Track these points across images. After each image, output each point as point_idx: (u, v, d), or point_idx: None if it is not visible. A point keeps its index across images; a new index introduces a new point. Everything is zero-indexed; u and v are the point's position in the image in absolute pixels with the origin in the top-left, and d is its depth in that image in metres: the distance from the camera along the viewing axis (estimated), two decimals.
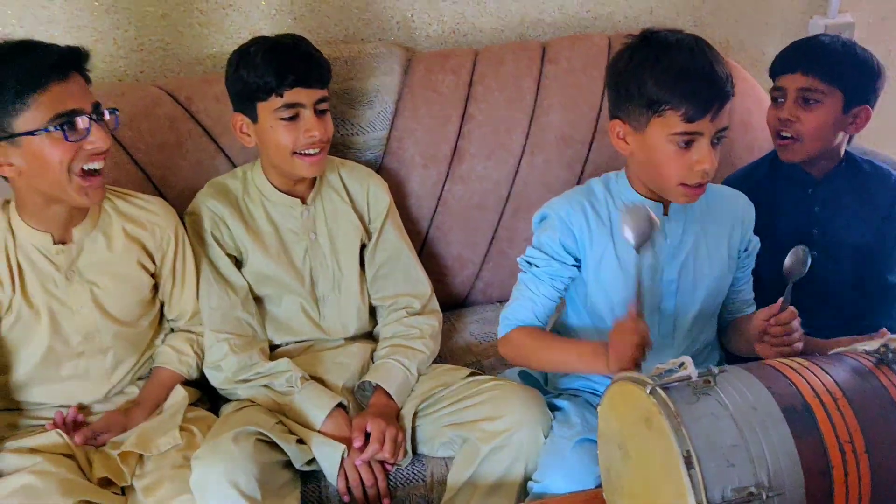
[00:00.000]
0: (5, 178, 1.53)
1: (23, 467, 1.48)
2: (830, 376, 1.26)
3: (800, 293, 1.84)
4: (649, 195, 1.58)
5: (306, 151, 1.72)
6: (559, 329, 1.75)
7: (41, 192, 1.52)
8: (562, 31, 2.38)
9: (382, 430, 1.62)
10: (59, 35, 1.97)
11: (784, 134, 1.78)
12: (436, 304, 1.92)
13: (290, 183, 1.81)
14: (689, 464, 1.12)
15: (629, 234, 1.44)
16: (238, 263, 1.81)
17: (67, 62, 1.49)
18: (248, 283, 1.80)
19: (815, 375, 1.26)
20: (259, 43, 1.73)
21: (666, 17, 2.46)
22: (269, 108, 1.69)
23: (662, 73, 1.44)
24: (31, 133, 1.44)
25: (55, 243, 1.59)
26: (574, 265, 1.62)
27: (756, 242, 1.68)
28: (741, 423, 1.18)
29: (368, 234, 1.88)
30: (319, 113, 1.73)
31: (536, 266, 1.62)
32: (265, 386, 1.71)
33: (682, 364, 1.22)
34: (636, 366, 1.40)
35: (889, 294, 1.84)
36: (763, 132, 1.99)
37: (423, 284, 1.91)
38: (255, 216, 1.81)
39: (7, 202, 1.61)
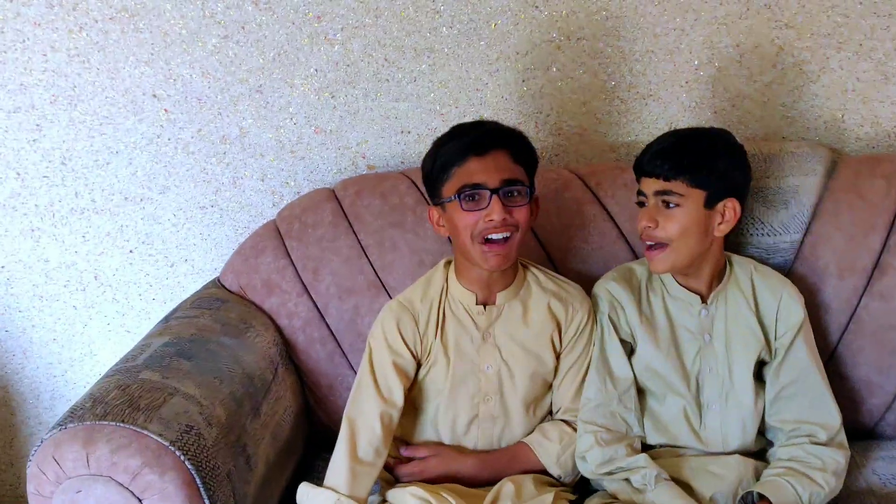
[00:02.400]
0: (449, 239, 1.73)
1: None
2: None
3: None
4: None
5: (648, 244, 1.67)
6: None
7: (461, 253, 1.68)
8: None
9: None
10: (487, 115, 2.10)
11: None
12: (844, 439, 1.69)
13: (687, 277, 1.73)
14: None
15: None
16: (630, 351, 1.76)
17: (488, 141, 1.61)
18: (634, 374, 1.75)
19: None
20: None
21: None
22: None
23: None
24: (447, 200, 1.63)
25: (478, 304, 1.70)
26: None
27: None
28: None
29: (770, 349, 1.73)
30: (666, 205, 1.64)
31: None
32: (626, 480, 1.64)
33: None
34: None
35: None
36: None
37: (833, 415, 1.70)
38: (654, 306, 1.75)
39: (449, 262, 1.77)
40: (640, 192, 1.68)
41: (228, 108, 2.14)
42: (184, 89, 2.13)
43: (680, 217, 1.63)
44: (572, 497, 1.69)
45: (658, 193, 1.64)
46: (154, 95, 2.13)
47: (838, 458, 1.64)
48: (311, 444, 1.99)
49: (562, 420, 1.75)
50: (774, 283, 1.76)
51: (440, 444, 1.74)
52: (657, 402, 1.76)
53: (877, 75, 2.06)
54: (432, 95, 2.12)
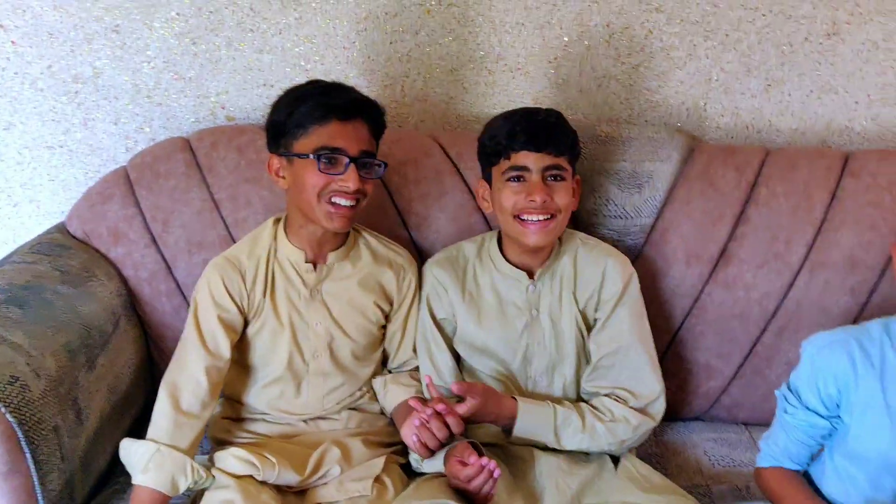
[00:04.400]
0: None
1: (236, 474, 1.56)
2: None
3: None
4: None
5: (526, 218, 1.64)
6: (817, 474, 1.54)
7: (300, 209, 1.65)
8: (872, 143, 2.15)
9: (475, 406, 1.56)
10: (353, 76, 2.06)
11: None
12: (657, 411, 1.70)
13: (522, 255, 1.74)
14: None
15: None
16: (453, 331, 1.78)
17: (354, 108, 1.63)
18: (458, 351, 1.78)
19: None
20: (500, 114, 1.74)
21: None
22: (498, 171, 1.67)
23: None
24: (298, 155, 1.61)
25: (307, 262, 1.69)
26: (829, 416, 1.45)
27: None
28: None
29: (587, 321, 1.75)
30: (550, 179, 1.65)
31: (787, 410, 1.50)
32: None
33: None
34: None
35: None
36: None
37: (651, 385, 1.70)
38: (481, 284, 1.76)
39: (279, 219, 1.75)
40: (517, 168, 1.64)
41: (82, 46, 2.03)
42: (34, 21, 2.01)
43: (565, 190, 1.66)
44: (402, 461, 1.69)
45: (548, 168, 1.64)
46: (0, 25, 2.00)
47: (632, 419, 1.65)
48: (153, 399, 1.92)
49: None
50: (599, 255, 1.76)
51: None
52: (484, 379, 1.77)
53: (740, 67, 2.10)
54: (298, 50, 2.06)
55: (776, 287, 1.92)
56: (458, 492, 1.51)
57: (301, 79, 1.91)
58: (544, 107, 1.72)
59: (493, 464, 1.48)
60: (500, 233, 1.77)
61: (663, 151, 1.96)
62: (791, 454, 1.51)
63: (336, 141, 1.59)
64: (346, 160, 1.60)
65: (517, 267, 1.74)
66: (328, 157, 1.59)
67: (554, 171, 1.65)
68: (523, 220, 1.65)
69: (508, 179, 1.65)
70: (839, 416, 1.45)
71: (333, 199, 1.61)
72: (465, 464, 1.50)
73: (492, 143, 1.67)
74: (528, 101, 2.10)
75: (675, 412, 1.97)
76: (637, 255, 1.94)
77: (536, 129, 1.64)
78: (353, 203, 1.62)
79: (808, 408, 1.47)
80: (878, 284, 1.89)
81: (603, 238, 1.88)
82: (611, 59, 2.09)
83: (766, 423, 1.61)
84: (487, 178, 1.72)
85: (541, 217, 1.64)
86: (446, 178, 1.95)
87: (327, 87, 1.67)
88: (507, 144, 1.63)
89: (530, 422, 1.64)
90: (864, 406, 1.41)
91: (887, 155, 1.99)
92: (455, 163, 1.96)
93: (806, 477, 1.57)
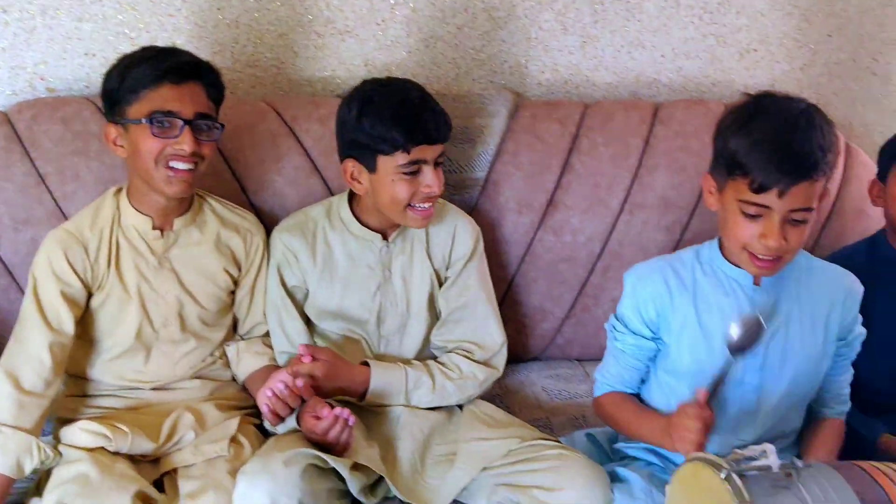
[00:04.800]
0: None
1: (87, 447, 1.53)
2: None
3: (884, 391, 1.73)
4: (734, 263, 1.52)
5: (421, 205, 1.70)
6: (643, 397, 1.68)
7: (140, 177, 1.65)
8: (678, 93, 2.33)
9: (320, 371, 1.62)
10: (180, 43, 2.01)
11: None
12: (500, 362, 1.81)
13: (382, 224, 1.78)
14: None
15: (734, 337, 1.42)
16: (304, 296, 1.81)
17: (186, 71, 1.61)
18: (310, 317, 1.81)
19: None
20: (382, 94, 1.69)
21: (788, 91, 2.37)
22: (392, 163, 1.66)
23: (743, 138, 1.41)
24: (133, 121, 1.59)
25: (154, 229, 1.68)
26: (653, 337, 1.58)
27: (860, 333, 1.58)
28: None
29: (440, 279, 1.83)
30: (437, 166, 1.71)
31: (616, 338, 1.62)
32: None
33: (764, 452, 1.14)
34: (699, 448, 1.36)
35: None
36: (879, 221, 1.89)
37: (494, 337, 1.81)
38: (333, 247, 1.79)
39: (120, 189, 1.72)
40: (418, 161, 1.66)
41: None
42: None
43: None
44: (257, 421, 1.71)
45: (441, 155, 1.71)
46: None
47: (479, 374, 1.76)
48: None
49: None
50: (448, 217, 1.85)
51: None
52: (337, 340, 1.81)
53: (557, 25, 2.21)
54: (120, 17, 2.00)
55: (600, 230, 2.06)
56: (317, 444, 1.56)
57: (126, 48, 1.87)
58: (377, 70, 1.76)
59: (346, 412, 1.53)
60: (350, 194, 1.80)
61: (492, 107, 2.05)
62: (623, 380, 1.63)
63: (169, 104, 1.58)
64: (181, 123, 1.58)
65: (372, 229, 1.78)
66: (161, 120, 1.58)
67: (441, 159, 1.71)
68: (415, 207, 1.69)
69: (405, 173, 1.66)
70: (661, 338, 1.59)
71: (171, 164, 1.60)
72: (319, 418, 1.54)
73: (386, 135, 1.64)
74: (358, 64, 2.13)
75: (515, 355, 2.07)
76: (473, 208, 2.03)
77: (432, 122, 1.67)
78: (191, 167, 1.61)
79: (634, 332, 1.58)
80: (690, 222, 2.08)
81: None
82: (436, 20, 2.15)
83: (597, 358, 1.73)
84: (367, 162, 1.68)
85: (431, 204, 1.71)
86: (282, 141, 1.96)
87: (160, 51, 1.65)
88: (407, 140, 1.63)
89: (382, 385, 1.70)
90: (680, 325, 1.55)
91: (691, 104, 2.16)
92: (290, 126, 1.97)
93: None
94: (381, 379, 1.70)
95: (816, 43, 2.35)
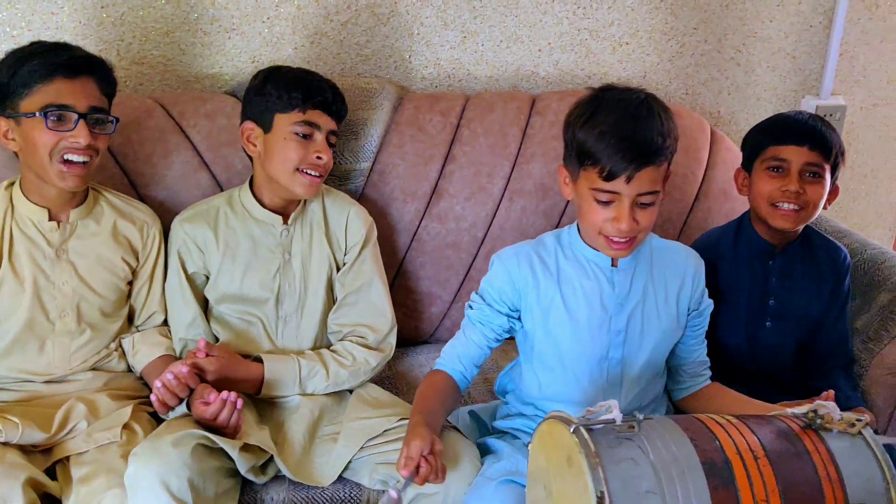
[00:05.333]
0: (16, 155, 1.72)
1: None
2: (756, 436, 1.28)
3: (745, 359, 1.88)
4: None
5: (309, 171, 1.79)
6: (516, 378, 1.77)
7: (33, 170, 1.68)
8: (555, 85, 2.44)
9: (214, 366, 1.69)
10: (65, 40, 2.02)
11: (788, 205, 1.79)
12: (390, 344, 1.91)
13: (279, 202, 1.86)
14: None
15: None
16: (205, 280, 1.87)
17: (79, 65, 1.66)
18: (210, 300, 1.88)
19: (740, 433, 1.28)
20: (288, 68, 1.88)
21: (659, 82, 2.52)
22: (288, 121, 1.78)
23: (590, 130, 1.50)
24: (26, 115, 1.63)
25: (50, 220, 1.72)
26: (509, 314, 1.66)
27: (709, 304, 1.71)
28: (660, 471, 1.20)
29: (338, 264, 1.91)
30: (329, 144, 1.83)
31: (472, 308, 1.69)
32: None
33: (609, 408, 1.24)
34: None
35: (828, 362, 1.88)
36: (742, 202, 2.02)
37: (385, 319, 1.91)
38: (236, 230, 1.86)
39: (12, 183, 1.75)
40: (311, 124, 1.80)
41: None
42: None
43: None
44: (151, 409, 1.74)
45: (332, 132, 1.87)
46: None
47: (371, 360, 1.85)
48: None
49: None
50: (344, 204, 1.94)
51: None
52: (244, 325, 1.87)
53: (438, 21, 2.30)
54: (1, 15, 2.01)
55: (482, 216, 2.16)
56: (208, 428, 1.61)
57: (7, 46, 1.89)
58: (264, 66, 1.87)
59: (233, 395, 1.59)
60: (251, 181, 1.88)
61: (375, 100, 2.13)
62: (460, 355, 1.67)
63: (63, 97, 1.62)
64: (76, 116, 1.63)
65: (272, 211, 1.86)
66: (56, 114, 1.62)
67: (333, 138, 1.85)
68: (304, 172, 1.79)
69: (298, 133, 1.78)
70: (519, 319, 1.67)
71: (66, 157, 1.64)
72: (207, 403, 1.60)
73: (287, 93, 1.78)
74: (245, 60, 2.19)
75: (406, 339, 2.17)
76: (359, 197, 2.10)
77: (331, 92, 1.84)
78: (86, 159, 1.66)
79: (490, 305, 1.65)
80: (567, 207, 2.19)
81: (327, 183, 2.02)
82: (321, 17, 2.22)
83: None
84: (265, 122, 1.80)
85: (318, 174, 1.82)
86: (170, 137, 2.00)
87: (52, 45, 1.69)
88: (305, 98, 1.78)
89: (276, 377, 1.77)
90: (545, 307, 1.64)
91: (566, 95, 2.28)
92: (178, 122, 2.02)
93: (500, 392, 1.82)
94: (274, 371, 1.77)
95: (683, 35, 2.49)
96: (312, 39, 2.23)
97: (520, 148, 2.18)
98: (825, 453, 1.26)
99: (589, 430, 1.22)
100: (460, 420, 1.81)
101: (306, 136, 1.79)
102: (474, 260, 2.18)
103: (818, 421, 1.30)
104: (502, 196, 2.17)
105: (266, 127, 1.80)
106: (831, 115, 2.64)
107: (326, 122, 1.82)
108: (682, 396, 1.76)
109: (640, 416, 1.24)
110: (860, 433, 1.29)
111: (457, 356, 1.68)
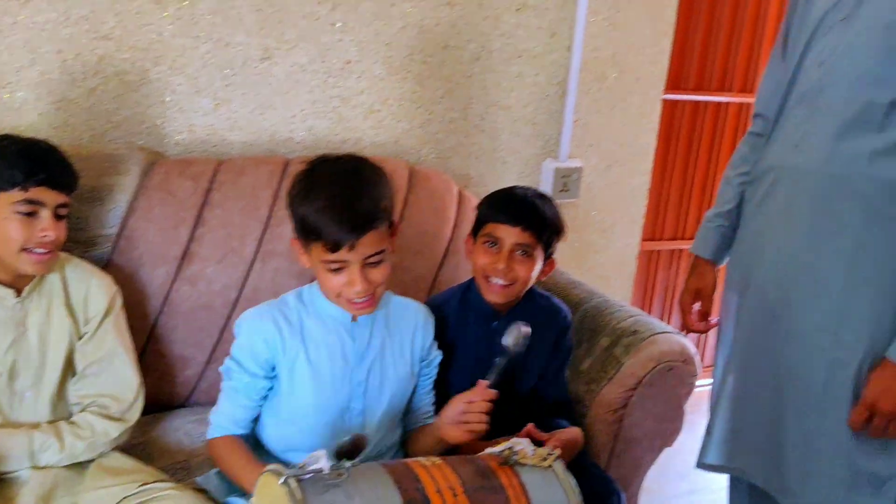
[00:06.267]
0: None
1: None
2: (457, 474, 1.40)
3: None
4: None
5: (37, 250, 1.75)
6: (259, 431, 1.82)
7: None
8: (311, 150, 2.53)
9: None
10: None
11: (497, 280, 1.90)
12: (134, 414, 1.90)
13: (9, 277, 1.81)
14: None
15: (508, 341, 1.71)
16: None
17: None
18: None
19: (442, 473, 1.40)
20: (11, 138, 1.79)
21: (411, 147, 2.67)
22: (8, 200, 1.72)
23: (309, 206, 1.61)
24: None
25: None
26: (267, 375, 1.73)
27: (437, 355, 1.84)
28: None
29: (79, 334, 1.89)
30: (58, 217, 1.78)
31: (231, 378, 1.74)
32: None
33: (317, 458, 1.32)
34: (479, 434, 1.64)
35: (550, 408, 2.04)
36: None
37: (130, 389, 1.90)
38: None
39: None
40: (35, 202, 1.75)
41: None
42: None
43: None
44: None
45: (62, 206, 1.81)
46: None
47: (111, 431, 1.84)
48: None
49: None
50: (84, 274, 1.92)
51: None
52: None
53: (190, 88, 2.35)
54: None
55: (234, 278, 2.21)
56: None
57: None
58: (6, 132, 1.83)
59: None
60: None
61: (122, 166, 2.14)
62: (236, 420, 1.75)
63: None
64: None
65: (4, 286, 1.80)
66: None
67: (63, 210, 1.80)
68: (30, 251, 1.74)
69: (20, 212, 1.72)
70: (276, 377, 1.75)
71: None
72: None
73: (6, 171, 1.71)
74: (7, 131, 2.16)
75: (160, 404, 2.17)
76: (107, 263, 2.10)
77: (56, 166, 1.78)
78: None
79: (248, 371, 1.73)
80: None
81: (71, 251, 1.99)
82: (66, 83, 2.22)
83: None
84: None
85: (47, 251, 1.77)
86: None
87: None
88: (26, 177, 1.71)
89: (3, 453, 1.73)
90: (291, 364, 1.72)
91: None
92: None
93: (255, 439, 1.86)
94: (4, 444, 1.73)
95: (431, 104, 2.66)
96: (58, 106, 2.23)
97: (271, 210, 2.26)
98: (518, 487, 1.40)
99: (299, 481, 1.29)
100: (211, 480, 1.83)
101: (31, 214, 1.74)
102: (228, 321, 2.21)
103: (514, 458, 1.43)
104: (254, 258, 2.23)
105: None
106: (570, 175, 2.89)
107: (53, 198, 1.76)
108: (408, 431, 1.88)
109: (348, 464, 1.33)
110: (550, 466, 1.43)
111: (233, 422, 1.74)
